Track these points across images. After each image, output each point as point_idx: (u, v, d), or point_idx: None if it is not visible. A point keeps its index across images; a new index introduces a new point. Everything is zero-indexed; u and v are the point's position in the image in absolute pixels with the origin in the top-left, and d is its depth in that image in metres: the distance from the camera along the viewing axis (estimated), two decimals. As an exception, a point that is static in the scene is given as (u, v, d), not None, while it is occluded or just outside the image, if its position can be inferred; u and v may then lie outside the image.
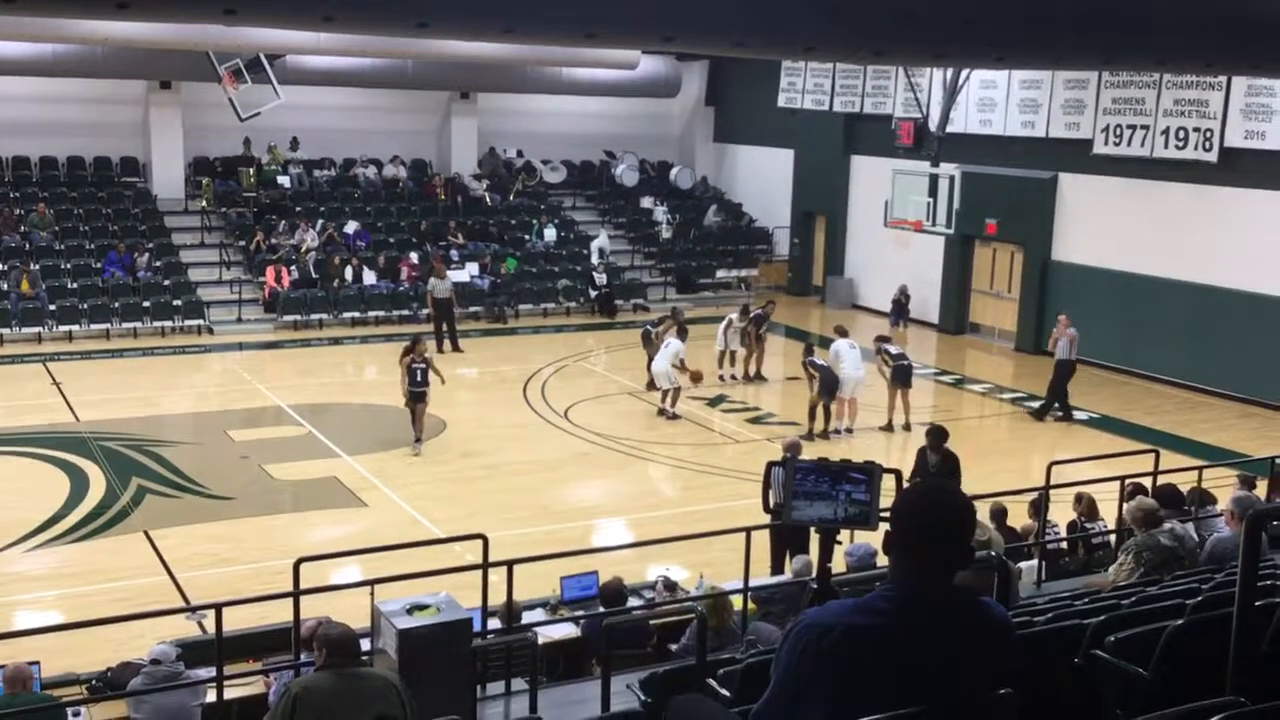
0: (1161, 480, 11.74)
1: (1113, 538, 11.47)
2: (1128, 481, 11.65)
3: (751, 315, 21.60)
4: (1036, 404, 19.91)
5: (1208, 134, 20.78)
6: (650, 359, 20.08)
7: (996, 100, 24.71)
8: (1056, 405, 19.40)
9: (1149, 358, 21.96)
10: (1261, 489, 11.74)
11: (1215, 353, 20.55)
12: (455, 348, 23.43)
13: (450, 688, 6.87)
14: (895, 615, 3.00)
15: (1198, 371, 20.73)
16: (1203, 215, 21.09)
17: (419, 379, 16.69)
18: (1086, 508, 11.82)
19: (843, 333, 18.90)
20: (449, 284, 24.06)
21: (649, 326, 20.99)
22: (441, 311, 23.67)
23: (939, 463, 12.80)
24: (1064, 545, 11.83)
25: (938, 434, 13.20)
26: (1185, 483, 12.19)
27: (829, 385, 17.85)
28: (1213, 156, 20.71)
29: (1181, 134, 21.23)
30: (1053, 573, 10.92)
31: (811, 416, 18.08)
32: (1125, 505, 8.87)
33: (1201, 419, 18.83)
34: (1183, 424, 18.89)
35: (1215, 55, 10.62)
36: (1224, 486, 12.19)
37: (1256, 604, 3.78)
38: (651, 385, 19.93)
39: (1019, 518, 11.93)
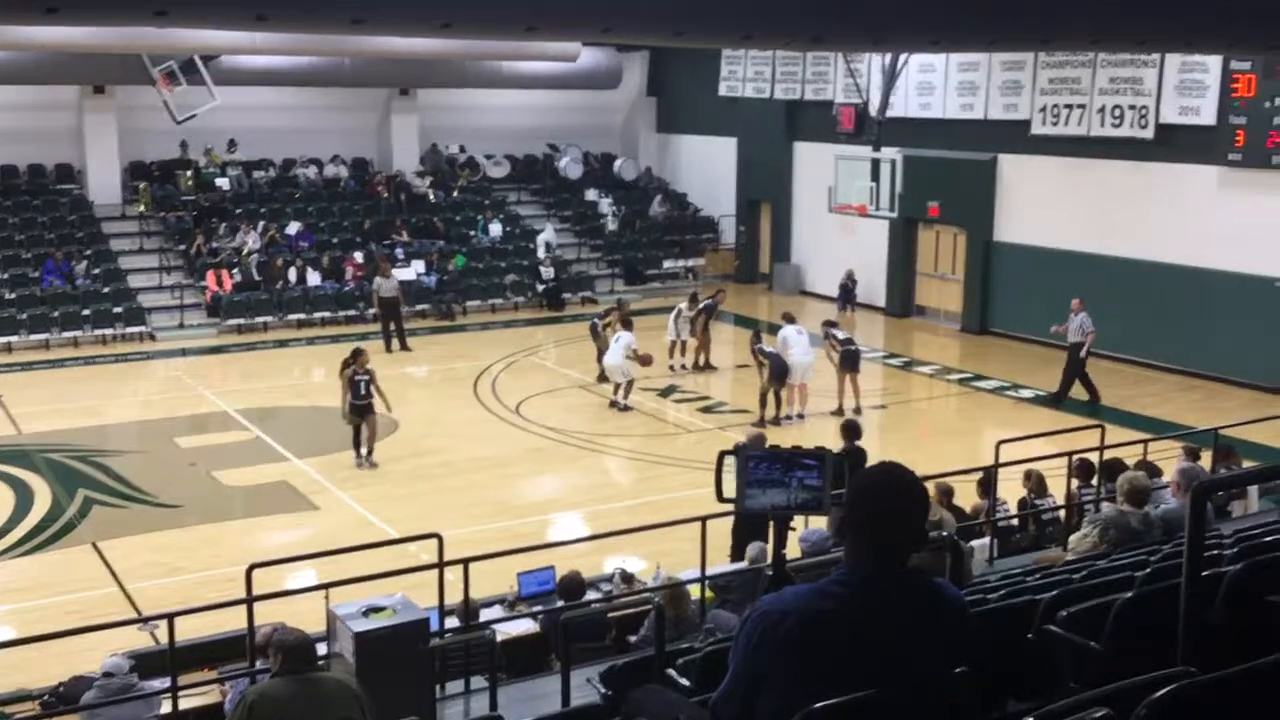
0: (1108, 454, 11.92)
1: (1062, 513, 11.64)
2: (1076, 457, 11.83)
3: (701, 304, 21.63)
4: (1039, 392, 19.68)
5: (1143, 111, 21.07)
6: (600, 352, 20.07)
7: (935, 84, 24.90)
8: (1081, 387, 19.26)
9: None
10: (1206, 460, 11.92)
11: (1156, 327, 20.86)
12: (404, 347, 23.28)
13: (409, 689, 6.85)
14: (851, 598, 3.02)
15: (1140, 346, 21.02)
16: (1140, 192, 21.39)
17: (363, 391, 15.97)
18: (1036, 484, 11.97)
19: (790, 319, 18.98)
20: (395, 283, 23.87)
21: (596, 320, 20.98)
22: (388, 311, 23.47)
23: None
24: (1014, 522, 11.98)
25: (848, 429, 13.10)
26: (1131, 456, 12.40)
27: (779, 372, 17.93)
28: (1149, 133, 21.00)
29: (1117, 112, 21.51)
30: (1004, 550, 11.06)
31: (762, 404, 18.15)
32: (1121, 476, 8.91)
33: (1145, 393, 19.12)
34: (1127, 399, 19.17)
35: (1149, 33, 10.76)
36: (1169, 458, 12.40)
37: (1204, 574, 3.84)
38: (603, 378, 19.93)
39: (969, 497, 12.05)
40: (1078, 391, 19.16)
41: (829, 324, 19.37)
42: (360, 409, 16.03)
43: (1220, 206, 20.14)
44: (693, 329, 21.50)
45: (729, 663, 3.19)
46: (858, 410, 18.25)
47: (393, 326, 23.37)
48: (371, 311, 24.85)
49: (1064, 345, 19.52)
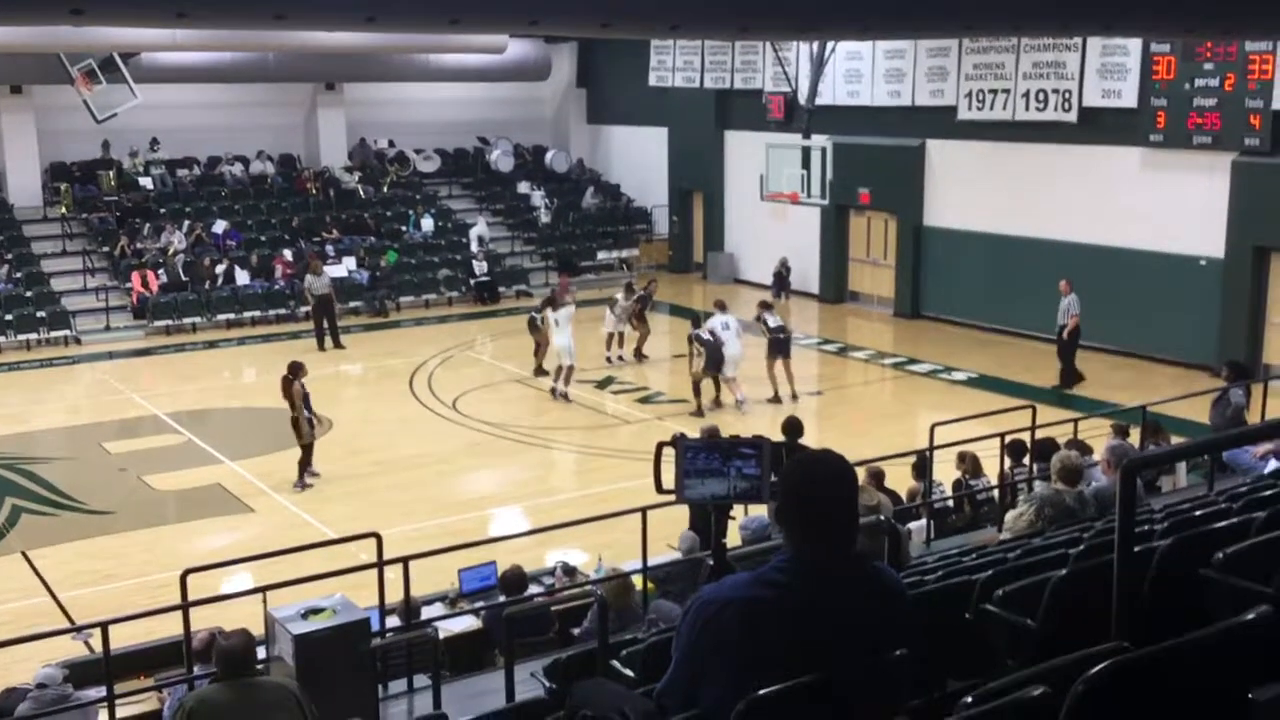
0: (1039, 434, 12.10)
1: (996, 493, 11.80)
2: (1008, 437, 12.00)
3: (636, 295, 21.61)
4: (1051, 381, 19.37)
5: (1066, 95, 21.39)
6: (538, 346, 20.03)
7: (863, 71, 25.10)
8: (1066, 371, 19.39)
9: (1021, 316, 22.57)
10: (1134, 437, 12.14)
11: (1084, 308, 21.17)
12: (337, 344, 23.05)
13: (351, 690, 6.79)
14: (791, 585, 3.03)
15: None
16: (1065, 174, 21.73)
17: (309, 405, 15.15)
18: (971, 465, 12.12)
19: (722, 307, 19.04)
20: (327, 280, 23.60)
21: (534, 314, 20.85)
22: (321, 308, 23.22)
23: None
24: (950, 504, 12.12)
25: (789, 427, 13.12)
26: (1062, 435, 12.59)
27: (714, 360, 17.97)
28: (1072, 116, 21.33)
29: (1041, 96, 21.81)
30: (941, 531, 11.19)
31: (696, 392, 18.18)
32: (1054, 455, 9.04)
33: (1060, 372, 19.37)
34: (1056, 378, 19.45)
35: (1070, 17, 10.91)
36: (1099, 437, 12.62)
37: (1135, 549, 3.91)
38: (541, 371, 19.87)
39: (905, 480, 12.18)
40: (1053, 374, 19.32)
41: (764, 305, 19.38)
42: (294, 423, 15.10)
43: (1143, 187, 20.52)
44: (630, 319, 21.50)
45: (672, 653, 3.20)
46: (794, 396, 18.36)
47: (326, 324, 23.12)
48: (304, 310, 24.63)
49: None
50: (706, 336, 18.18)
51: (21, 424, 18.60)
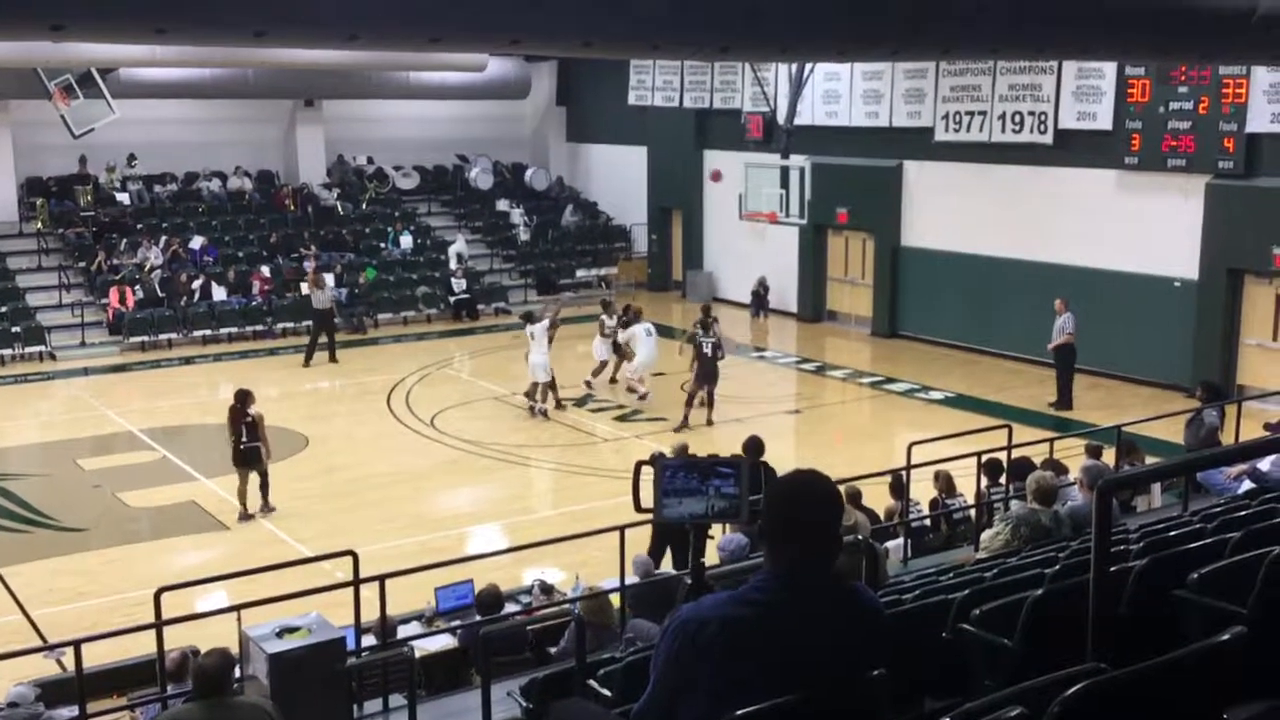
0: (1015, 454, 12.16)
1: (972, 512, 11.84)
2: (985, 456, 12.05)
3: (620, 320, 21.06)
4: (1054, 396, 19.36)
5: (1042, 117, 21.57)
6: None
7: (841, 92, 25.23)
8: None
9: (998, 336, 22.70)
10: (1109, 457, 12.21)
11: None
12: (332, 358, 23.12)
13: (326, 709, 6.75)
14: (770, 605, 3.04)
15: (1043, 347, 21.49)
16: (1040, 196, 21.88)
17: (246, 437, 14.48)
18: (944, 484, 12.17)
19: (637, 314, 19.90)
20: (329, 294, 23.68)
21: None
22: (320, 323, 23.26)
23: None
24: (927, 523, 12.16)
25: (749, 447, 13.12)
26: (1038, 454, 12.66)
27: (705, 374, 18.14)
28: (1048, 138, 21.50)
29: (1017, 118, 21.99)
30: (917, 550, 11.22)
31: (688, 403, 18.22)
32: (1030, 475, 9.08)
33: (1050, 393, 19.49)
34: (1032, 398, 19.57)
35: (1045, 41, 11.01)
36: (1074, 456, 12.69)
37: (1111, 569, 3.94)
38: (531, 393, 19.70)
39: (883, 499, 12.21)
40: (1050, 393, 19.34)
41: (708, 321, 18.68)
42: (246, 455, 14.55)
43: (1118, 209, 20.68)
44: (614, 347, 20.88)
45: (650, 673, 3.19)
46: (709, 422, 18.04)
47: (323, 339, 23.16)
48: (280, 326, 24.72)
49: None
50: (704, 345, 18.17)
51: (-6, 440, 18.43)
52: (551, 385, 19.08)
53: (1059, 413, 18.71)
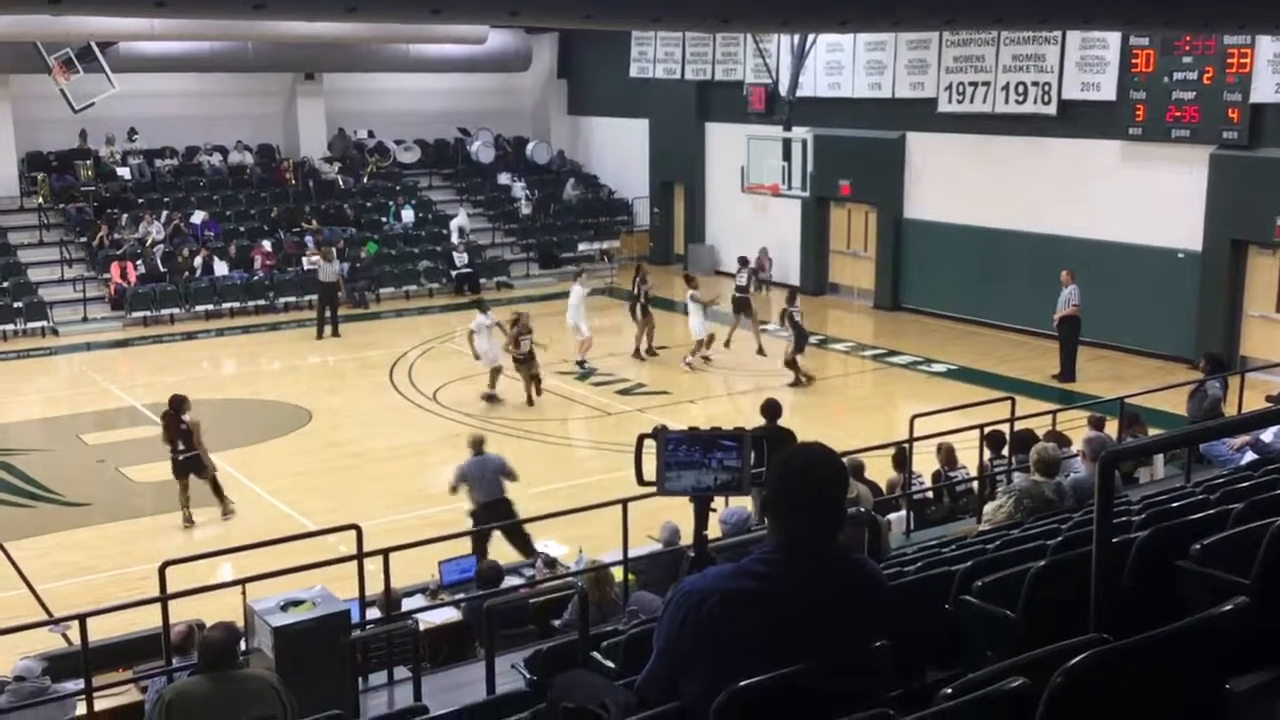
0: (1018, 426, 12.16)
1: (975, 485, 11.85)
2: (988, 428, 12.04)
3: (637, 287, 21.33)
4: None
5: (1046, 87, 21.46)
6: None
7: (844, 63, 25.11)
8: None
9: (999, 308, 22.67)
10: (1111, 428, 12.21)
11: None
12: (335, 333, 23.18)
13: (331, 682, 6.78)
14: (774, 577, 3.04)
15: (1045, 319, 21.44)
16: (1043, 167, 21.81)
17: (181, 446, 13.59)
18: (946, 457, 12.17)
19: (577, 277, 20.63)
20: (335, 268, 23.79)
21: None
22: (325, 296, 23.37)
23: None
24: (929, 495, 12.17)
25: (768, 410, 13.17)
26: (1041, 426, 12.65)
27: (800, 341, 18.92)
28: (1051, 109, 21.40)
29: (1021, 89, 21.88)
30: (920, 522, 11.24)
31: (794, 368, 18.98)
32: (1033, 447, 9.08)
33: (1052, 364, 19.48)
34: (1035, 370, 19.55)
35: (1050, 11, 10.95)
36: (1077, 428, 12.68)
37: (1113, 541, 3.93)
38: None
39: (885, 471, 12.22)
40: (1052, 365, 19.32)
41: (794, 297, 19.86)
42: (184, 465, 13.68)
43: (1122, 180, 20.61)
44: (633, 313, 21.31)
45: (653, 644, 3.20)
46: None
47: (328, 312, 23.18)
48: (283, 301, 24.74)
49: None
50: (799, 316, 18.95)
51: (-2, 415, 18.46)
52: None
53: (1061, 385, 18.69)
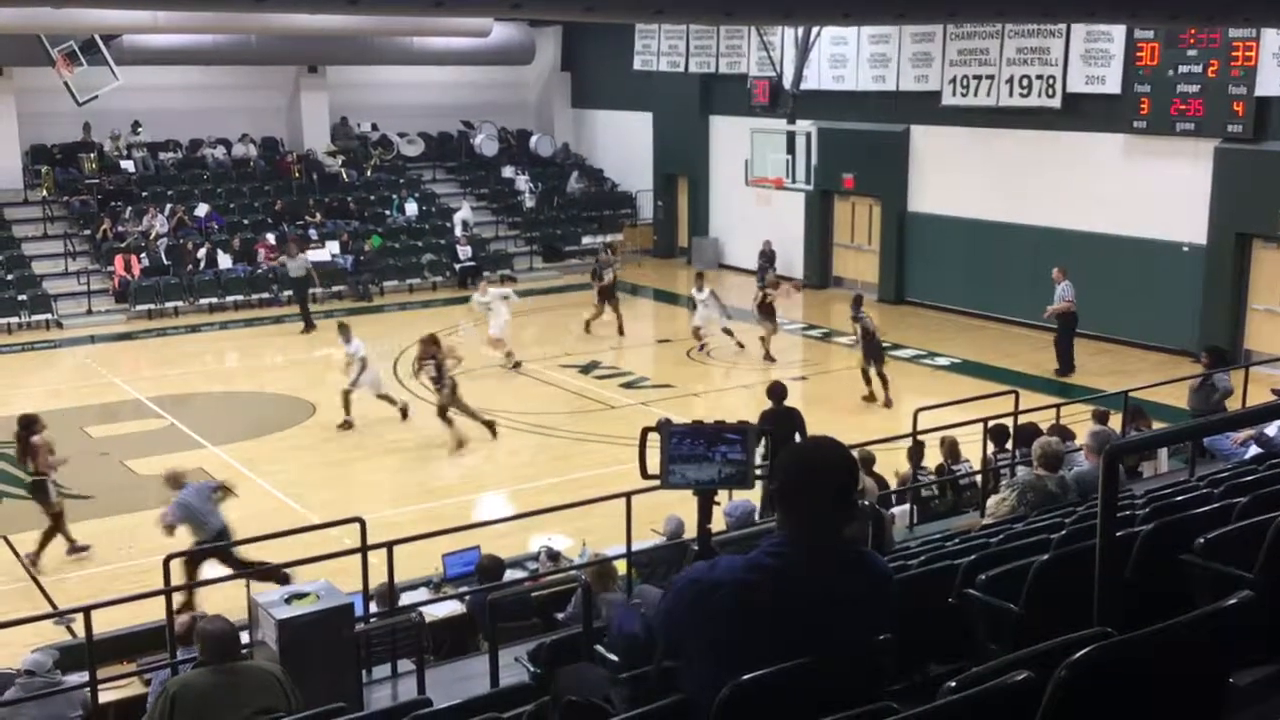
0: (1022, 419, 12.15)
1: (979, 478, 11.84)
2: (991, 422, 12.04)
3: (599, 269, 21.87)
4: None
5: (1050, 81, 21.41)
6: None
7: (848, 56, 25.07)
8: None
9: (1003, 301, 22.64)
10: (1115, 422, 12.20)
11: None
12: (308, 327, 23.17)
13: (335, 674, 6.78)
14: (783, 571, 3.04)
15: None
16: (1049, 160, 21.76)
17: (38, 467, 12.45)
18: (950, 450, 12.16)
19: (499, 283, 20.55)
20: (302, 262, 23.73)
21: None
22: (297, 290, 23.42)
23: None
24: (934, 489, 12.16)
25: (773, 392, 13.19)
26: (1044, 420, 12.65)
27: (871, 348, 17.53)
28: (1056, 102, 21.36)
29: (1025, 82, 21.83)
30: (923, 516, 11.23)
31: (866, 380, 17.63)
32: (1036, 441, 9.07)
33: (1056, 358, 19.43)
34: (1038, 364, 19.53)
35: (1053, 3, 10.92)
36: (1081, 422, 12.67)
37: (1117, 535, 3.93)
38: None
39: (892, 465, 12.22)
40: (1051, 360, 19.24)
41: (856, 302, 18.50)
42: (35, 487, 12.58)
43: (1127, 173, 20.57)
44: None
45: (651, 621, 3.20)
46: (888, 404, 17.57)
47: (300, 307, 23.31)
48: (286, 294, 24.75)
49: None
50: (869, 322, 17.66)
51: (2, 407, 18.46)
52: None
53: (1061, 379, 18.67)
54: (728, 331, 20.64)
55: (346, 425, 16.59)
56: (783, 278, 21.95)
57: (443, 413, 15.79)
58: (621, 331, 22.08)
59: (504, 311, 19.80)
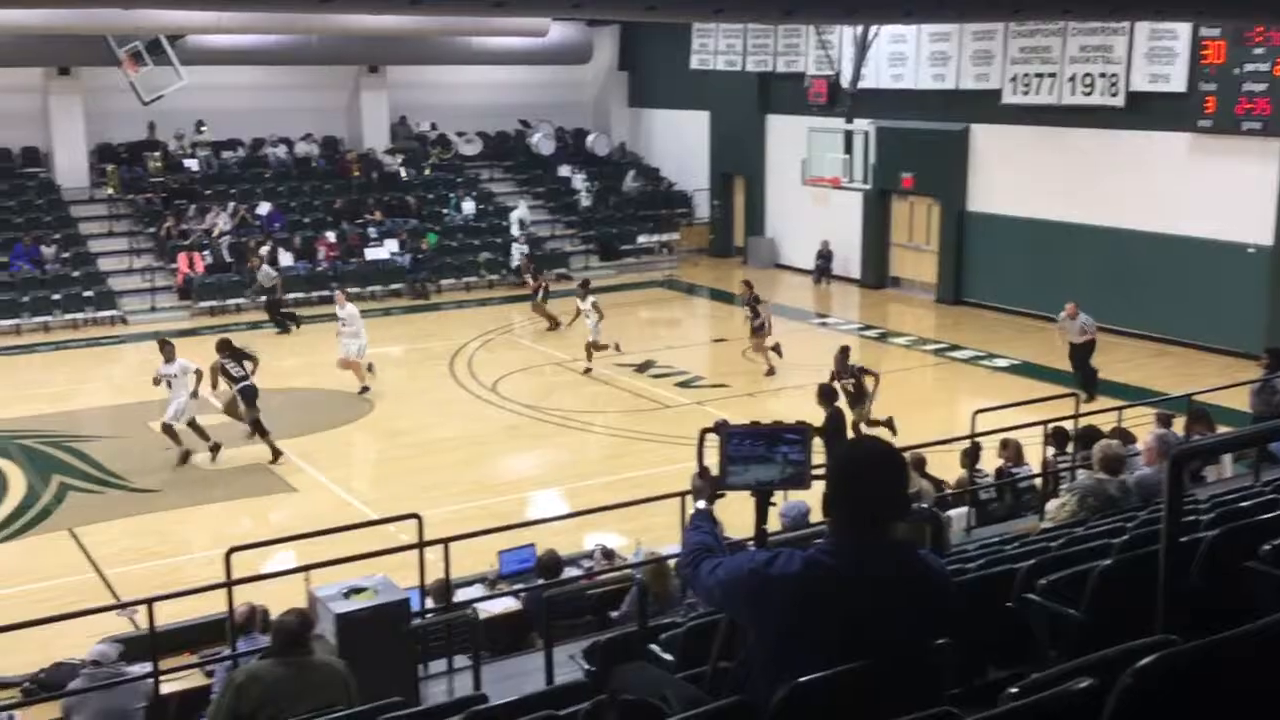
0: (1082, 422, 12.01)
1: (1038, 481, 11.72)
2: (1050, 425, 11.90)
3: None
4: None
5: (1113, 79, 21.12)
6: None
7: (907, 54, 24.88)
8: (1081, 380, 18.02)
9: (1063, 303, 22.26)
10: (1178, 426, 12.01)
11: (1127, 294, 20.98)
12: (278, 329, 23.33)
13: (392, 669, 6.85)
14: (836, 570, 3.04)
15: (1112, 313, 21.11)
16: (1110, 159, 21.46)
17: None
18: (1013, 453, 12.03)
19: (342, 300, 19.55)
20: (271, 272, 24.03)
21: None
22: (268, 301, 23.79)
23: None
24: (992, 491, 12.05)
25: (824, 395, 13.11)
26: (1105, 423, 12.48)
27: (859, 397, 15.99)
28: (1119, 101, 21.06)
29: (1088, 80, 21.55)
30: (981, 519, 11.13)
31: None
32: (1096, 444, 8.96)
33: (1118, 360, 19.22)
34: (1100, 365, 19.24)
35: (1120, 1, 10.77)
36: (1142, 425, 12.49)
37: (1182, 540, 3.88)
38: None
39: (949, 467, 12.12)
40: (1114, 359, 18.80)
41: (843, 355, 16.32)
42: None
43: (1191, 173, 20.24)
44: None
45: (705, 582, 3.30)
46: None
47: (269, 314, 23.54)
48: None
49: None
50: (866, 372, 15.88)
51: (69, 402, 18.85)
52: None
53: (1088, 404, 17.43)
54: (602, 346, 19.97)
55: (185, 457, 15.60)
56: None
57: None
58: (556, 327, 22.46)
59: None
